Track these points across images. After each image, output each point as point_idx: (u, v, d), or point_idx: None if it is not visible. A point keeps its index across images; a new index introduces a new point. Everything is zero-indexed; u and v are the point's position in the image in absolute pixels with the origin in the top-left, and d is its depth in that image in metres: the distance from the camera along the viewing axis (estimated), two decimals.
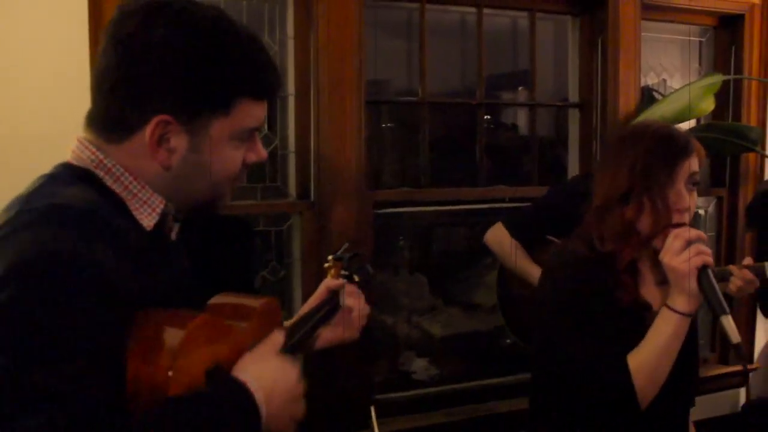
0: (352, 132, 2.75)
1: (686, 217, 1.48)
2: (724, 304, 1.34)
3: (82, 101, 1.16)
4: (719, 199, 3.75)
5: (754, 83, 3.64)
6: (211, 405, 0.97)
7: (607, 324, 1.49)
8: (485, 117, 3.41)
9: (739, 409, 3.55)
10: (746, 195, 3.66)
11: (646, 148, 1.50)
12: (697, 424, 3.73)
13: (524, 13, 3.26)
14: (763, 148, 3.60)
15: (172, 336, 0.96)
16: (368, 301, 1.49)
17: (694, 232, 1.42)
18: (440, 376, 3.31)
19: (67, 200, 0.99)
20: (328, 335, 1.45)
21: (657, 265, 1.53)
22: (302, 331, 1.30)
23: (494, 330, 3.58)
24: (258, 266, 2.64)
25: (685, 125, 3.54)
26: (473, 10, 3.11)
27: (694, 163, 1.51)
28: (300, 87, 2.76)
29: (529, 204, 2.82)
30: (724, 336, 1.33)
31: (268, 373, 1.06)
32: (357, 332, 1.47)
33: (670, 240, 1.42)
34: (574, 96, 3.38)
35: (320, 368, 2.80)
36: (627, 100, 3.26)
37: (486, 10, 3.12)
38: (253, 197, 2.77)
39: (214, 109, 1.08)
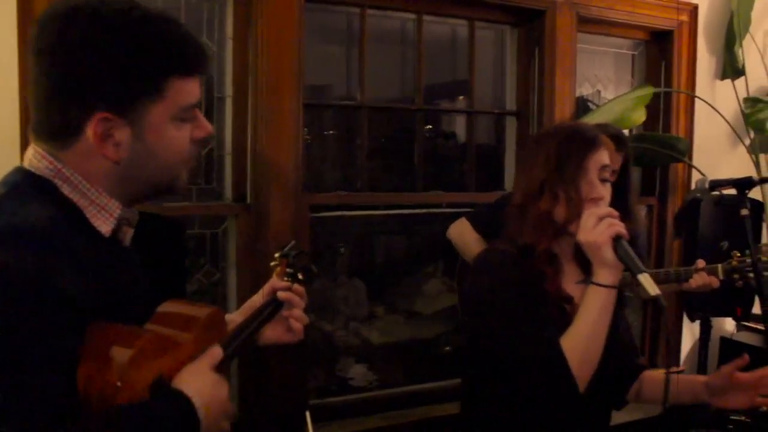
0: (289, 134, 2.73)
1: (601, 206, 1.52)
2: (641, 265, 1.39)
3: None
4: (650, 207, 3.86)
5: (682, 96, 3.77)
6: (156, 414, 1.04)
7: (538, 312, 1.52)
8: (427, 127, 3.44)
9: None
10: (675, 204, 3.79)
11: (556, 143, 1.57)
12: (626, 425, 3.86)
13: (464, 22, 3.30)
14: (691, 159, 3.73)
15: (121, 353, 1.03)
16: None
17: (604, 209, 1.48)
18: (378, 382, 3.31)
19: (26, 219, 1.04)
20: (269, 335, 1.45)
21: (577, 261, 1.60)
22: (244, 335, 1.33)
23: (434, 338, 3.60)
24: (186, 268, 2.59)
25: None
26: (413, 16, 3.14)
27: (603, 156, 1.56)
28: (238, 88, 2.74)
29: (488, 201, 2.82)
30: (643, 294, 1.36)
31: (206, 387, 1.11)
32: (300, 333, 1.46)
33: (583, 219, 1.48)
34: (511, 104, 3.44)
35: (255, 374, 2.77)
36: (562, 110, 3.33)
37: (426, 18, 3.15)
38: (188, 199, 2.73)
39: (148, 95, 1.10)
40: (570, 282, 1.61)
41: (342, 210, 3.11)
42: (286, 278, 1.44)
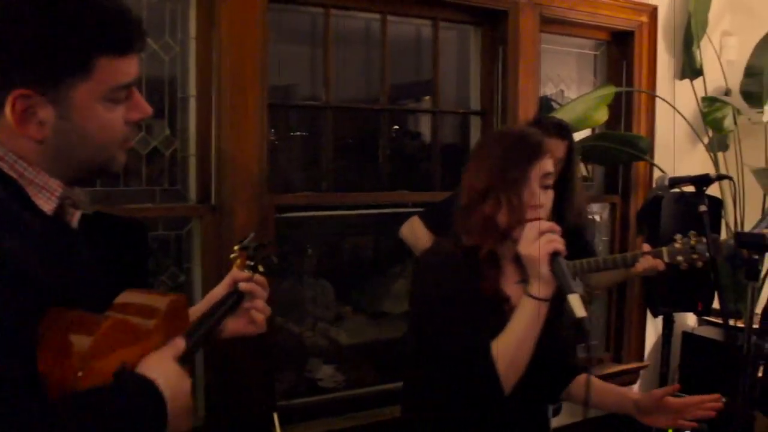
0: (254, 135, 2.72)
1: (540, 213, 1.57)
2: (572, 285, 1.43)
3: None
4: (613, 205, 3.92)
5: (643, 95, 3.84)
6: (121, 397, 1.01)
7: (472, 314, 1.56)
8: (394, 127, 3.45)
9: None
10: (637, 201, 3.85)
11: (502, 149, 1.61)
12: (593, 420, 3.91)
13: (428, 22, 3.31)
14: (652, 157, 3.79)
15: (81, 341, 0.99)
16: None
17: (546, 224, 1.52)
18: (346, 383, 3.30)
19: None
20: (232, 326, 1.42)
21: (518, 262, 1.62)
22: (206, 326, 1.32)
23: (402, 338, 3.61)
24: (147, 268, 2.56)
25: (582, 134, 3.70)
26: (378, 16, 3.15)
27: (547, 165, 1.60)
28: (201, 88, 2.72)
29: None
30: (570, 313, 1.41)
31: (170, 377, 1.08)
32: (263, 325, 1.44)
33: (525, 231, 1.52)
34: (475, 104, 3.46)
35: (221, 375, 2.75)
36: (526, 109, 3.36)
37: (391, 18, 3.16)
38: (151, 200, 2.70)
39: (74, 74, 1.04)
40: (510, 282, 1.65)
41: (308, 211, 3.10)
42: (246, 270, 1.42)
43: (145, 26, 1.14)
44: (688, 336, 3.69)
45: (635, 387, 4.02)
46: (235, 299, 1.39)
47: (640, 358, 4.01)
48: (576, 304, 1.39)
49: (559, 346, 1.74)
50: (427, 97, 3.47)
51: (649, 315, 3.94)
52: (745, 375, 2.10)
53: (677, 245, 2.33)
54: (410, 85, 3.56)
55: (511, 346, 1.51)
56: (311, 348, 3.42)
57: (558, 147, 2.43)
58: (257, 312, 1.42)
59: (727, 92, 4.04)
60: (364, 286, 3.77)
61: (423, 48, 3.42)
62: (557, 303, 1.57)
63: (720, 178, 2.32)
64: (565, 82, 3.85)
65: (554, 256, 1.48)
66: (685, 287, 3.39)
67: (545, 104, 3.71)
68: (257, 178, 2.74)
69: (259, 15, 2.71)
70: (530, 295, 1.51)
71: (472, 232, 1.62)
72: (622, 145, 3.63)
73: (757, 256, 2.14)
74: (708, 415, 1.71)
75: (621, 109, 3.83)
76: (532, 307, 1.50)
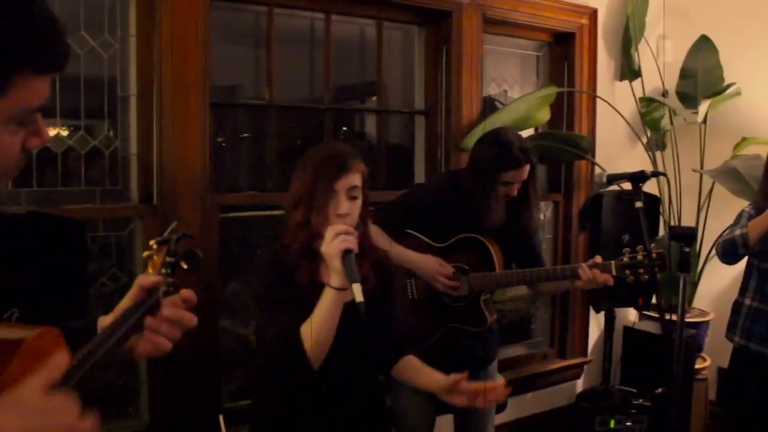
0: (197, 134, 2.69)
1: (346, 220, 1.82)
2: (356, 275, 1.68)
3: None
4: (556, 203, 3.99)
5: (584, 96, 3.92)
6: None
7: (290, 305, 1.82)
8: (342, 128, 3.45)
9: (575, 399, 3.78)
10: (579, 199, 3.93)
11: (314, 166, 1.87)
12: (539, 416, 3.97)
13: (372, 22, 3.33)
14: (594, 156, 3.88)
15: None
16: (198, 298, 1.29)
17: (342, 227, 1.75)
18: None
19: None
20: (142, 347, 1.21)
21: None
22: (99, 353, 1.08)
23: None
24: (86, 270, 2.50)
25: (525, 133, 3.76)
26: (322, 16, 3.15)
27: (353, 179, 1.86)
28: (142, 87, 2.68)
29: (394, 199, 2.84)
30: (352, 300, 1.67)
31: (30, 419, 0.86)
32: (174, 340, 1.24)
33: (326, 233, 1.77)
34: (420, 104, 3.49)
35: (164, 378, 2.71)
36: (470, 109, 3.40)
37: (335, 17, 3.17)
38: (92, 201, 2.65)
39: None
40: (327, 271, 1.85)
41: (254, 210, 3.07)
42: (164, 269, 1.23)
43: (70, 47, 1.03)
44: (629, 331, 3.79)
45: (579, 381, 4.11)
46: (139, 315, 1.16)
47: (584, 353, 4.09)
48: (357, 291, 1.66)
49: (384, 328, 1.99)
50: (374, 98, 3.48)
51: (591, 311, 4.03)
52: (678, 366, 2.16)
53: (625, 259, 2.38)
54: (356, 85, 3.57)
55: (316, 327, 1.76)
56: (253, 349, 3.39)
57: (525, 171, 2.53)
58: (159, 337, 1.20)
59: (665, 93, 4.16)
60: None
61: (368, 48, 3.43)
62: (387, 291, 2.00)
63: (655, 174, 2.39)
64: (509, 82, 3.91)
65: (346, 253, 1.72)
66: (626, 283, 3.47)
67: (489, 104, 3.76)
68: (200, 178, 2.71)
69: (201, 13, 2.68)
70: (329, 285, 1.76)
71: (288, 233, 1.92)
72: (564, 145, 3.71)
73: (688, 249, 2.22)
74: (497, 401, 1.98)
75: (563, 109, 3.90)
76: (330, 295, 1.76)
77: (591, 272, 2.39)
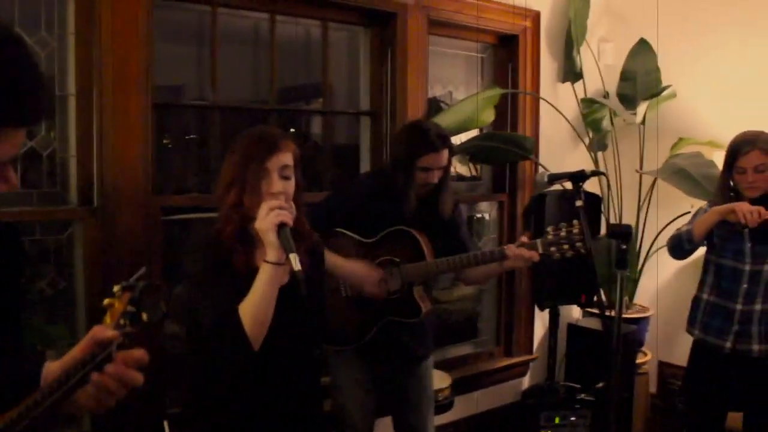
0: (138, 135, 2.64)
1: (280, 199, 1.80)
2: (292, 246, 1.70)
3: None
4: (500, 203, 4.05)
5: (528, 97, 3.98)
6: None
7: (226, 289, 1.80)
8: (291, 129, 3.43)
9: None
10: (524, 199, 3.99)
11: (244, 147, 1.86)
12: (486, 414, 4.01)
13: (317, 23, 3.32)
14: (537, 157, 3.95)
15: None
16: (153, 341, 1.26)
17: (276, 202, 1.76)
18: None
19: None
20: (84, 401, 1.18)
21: None
22: (42, 407, 1.08)
23: None
24: (22, 275, 2.43)
25: (470, 134, 3.80)
26: (266, 16, 3.12)
27: (285, 158, 1.84)
28: (81, 87, 2.61)
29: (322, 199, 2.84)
30: (291, 271, 1.71)
31: None
32: (119, 397, 1.21)
33: (260, 210, 1.77)
34: (365, 104, 3.49)
35: None
36: (415, 109, 3.42)
37: (280, 18, 3.15)
38: (28, 203, 2.58)
39: None
40: (263, 254, 1.83)
41: (198, 212, 3.03)
42: (123, 320, 1.18)
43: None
44: (572, 327, 3.86)
45: (525, 379, 4.17)
46: (84, 373, 1.14)
47: (530, 351, 4.15)
48: (294, 260, 1.68)
49: (318, 307, 2.01)
50: (321, 99, 3.47)
51: (536, 309, 4.10)
52: (616, 360, 2.22)
53: (549, 237, 2.43)
54: (301, 86, 3.56)
55: (254, 304, 1.75)
56: None
57: (444, 156, 2.55)
58: (106, 394, 1.17)
59: (605, 95, 4.26)
60: None
61: (313, 49, 3.42)
62: (320, 274, 2.02)
63: (595, 174, 2.45)
64: (453, 83, 3.95)
65: (281, 226, 1.73)
66: (569, 281, 3.54)
67: (434, 105, 3.79)
68: (142, 180, 2.66)
69: (142, 12, 2.64)
70: (265, 260, 1.75)
71: (221, 217, 1.88)
72: (508, 145, 3.76)
73: (625, 246, 2.28)
74: None
75: (507, 110, 3.96)
76: (267, 271, 1.75)
77: (518, 251, 2.45)
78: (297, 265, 1.67)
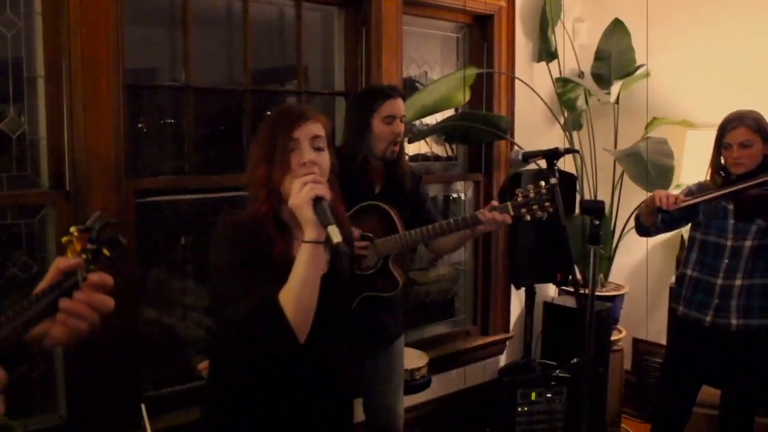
0: (110, 117, 2.61)
1: (314, 170, 1.67)
2: (330, 219, 1.55)
3: None
4: (476, 183, 4.06)
5: (503, 77, 3.99)
6: None
7: (263, 277, 1.63)
8: (266, 112, 3.39)
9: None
10: (499, 179, 4.01)
11: (269, 120, 1.75)
12: (463, 392, 4.05)
13: (291, 2, 3.28)
14: (513, 136, 3.96)
15: None
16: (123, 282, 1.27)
17: (310, 177, 1.62)
18: None
19: None
20: (57, 331, 1.16)
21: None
22: (5, 331, 1.07)
23: None
24: None
25: (445, 114, 3.80)
26: None
27: (314, 128, 1.71)
28: (51, 68, 2.56)
29: None
30: (328, 239, 1.57)
31: None
32: (92, 324, 1.18)
33: (293, 186, 1.63)
34: (340, 85, 3.47)
35: (82, 370, 2.64)
36: None
37: None
38: None
39: None
40: (300, 245, 1.70)
41: (173, 195, 3.00)
42: (84, 255, 1.17)
43: None
44: (548, 306, 3.90)
45: (502, 357, 4.22)
46: (51, 299, 1.12)
47: (506, 329, 4.19)
48: (333, 232, 1.54)
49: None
50: (295, 81, 3.45)
51: (513, 288, 4.13)
52: (590, 335, 2.24)
53: (519, 199, 2.46)
54: (276, 69, 3.53)
55: (296, 291, 1.59)
56: (185, 338, 3.33)
57: (399, 104, 2.62)
58: (76, 321, 1.15)
59: (581, 75, 4.27)
60: None
61: (287, 30, 3.39)
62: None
63: (568, 151, 2.46)
64: (429, 63, 3.94)
65: (317, 200, 1.58)
66: (545, 260, 3.57)
67: (409, 85, 3.78)
68: (114, 162, 2.64)
69: None
70: (304, 241, 1.60)
71: (251, 199, 1.73)
72: (483, 125, 3.76)
73: (598, 222, 2.30)
74: None
75: (482, 90, 3.96)
76: (306, 251, 1.60)
77: (491, 214, 2.47)
78: (337, 237, 1.54)
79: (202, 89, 3.06)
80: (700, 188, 2.94)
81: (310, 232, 1.60)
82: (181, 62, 2.97)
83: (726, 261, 2.85)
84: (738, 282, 2.83)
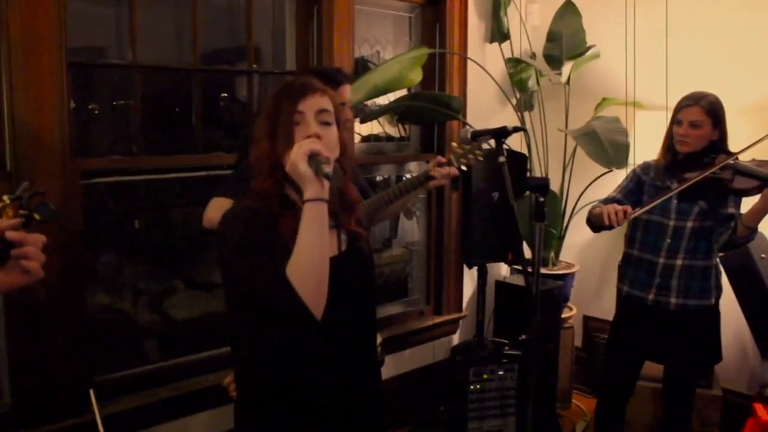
0: (52, 95, 2.53)
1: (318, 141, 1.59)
2: (326, 169, 1.51)
3: None
4: (429, 163, 4.05)
5: (455, 57, 3.99)
6: None
7: (273, 256, 1.56)
8: (223, 95, 3.34)
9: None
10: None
11: (275, 93, 1.67)
12: (417, 371, 4.08)
13: None
14: (465, 117, 3.97)
15: None
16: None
17: (308, 139, 1.56)
18: (177, 356, 3.19)
19: None
20: (3, 279, 1.28)
21: None
22: None
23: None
24: None
25: (398, 94, 3.79)
26: None
27: (321, 101, 1.63)
28: None
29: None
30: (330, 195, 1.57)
31: None
32: (37, 272, 1.29)
33: (291, 152, 1.55)
34: (291, 65, 3.43)
35: (28, 355, 2.59)
36: None
37: None
38: None
39: None
40: None
41: (121, 176, 2.94)
42: (17, 219, 1.30)
43: None
44: (500, 284, 3.94)
45: (455, 336, 4.26)
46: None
47: (459, 309, 4.23)
48: (324, 168, 1.51)
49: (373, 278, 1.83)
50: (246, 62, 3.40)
51: (466, 268, 4.16)
52: (536, 312, 2.28)
53: (458, 150, 2.67)
54: (227, 50, 3.47)
55: (302, 257, 1.52)
56: (137, 323, 3.28)
57: (349, 90, 2.61)
58: (28, 260, 1.27)
59: (532, 56, 4.30)
60: (189, 257, 3.65)
61: (238, 9, 3.33)
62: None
63: (516, 130, 2.47)
64: (381, 43, 3.92)
65: (312, 156, 1.52)
66: (496, 239, 3.60)
67: (361, 65, 3.76)
68: (58, 143, 2.57)
69: None
70: (304, 200, 1.54)
71: (255, 176, 1.65)
72: (436, 105, 3.76)
73: (543, 199, 2.33)
74: None
75: (435, 70, 3.95)
76: (309, 210, 1.53)
77: (441, 169, 2.61)
78: (326, 169, 1.50)
79: (150, 68, 3.00)
80: (644, 169, 2.99)
81: (309, 189, 1.52)
82: (128, 41, 2.89)
83: (668, 241, 2.91)
84: (679, 262, 2.90)
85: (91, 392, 2.63)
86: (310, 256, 1.52)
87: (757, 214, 2.69)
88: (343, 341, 1.69)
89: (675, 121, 2.88)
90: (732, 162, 2.75)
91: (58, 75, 2.55)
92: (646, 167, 3.02)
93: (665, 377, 3.13)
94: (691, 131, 2.82)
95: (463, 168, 2.68)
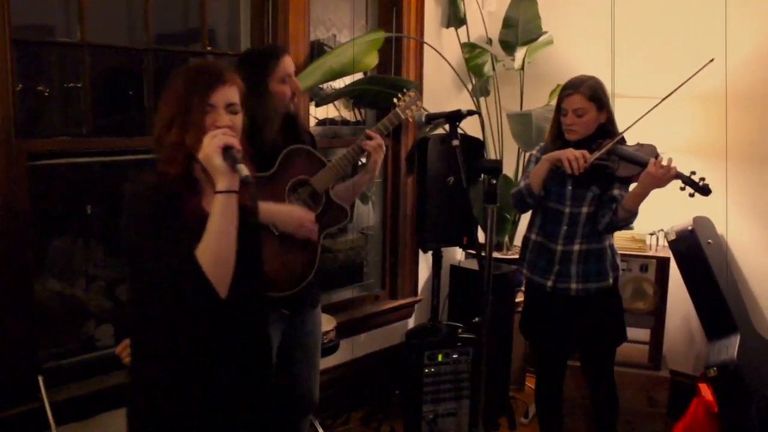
0: None
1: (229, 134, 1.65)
2: (239, 159, 1.58)
3: None
4: (386, 147, 4.05)
5: (412, 42, 3.99)
6: None
7: (179, 235, 1.61)
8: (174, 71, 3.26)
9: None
10: (407, 143, 4.03)
11: (183, 79, 1.69)
12: (372, 355, 4.10)
13: None
14: (421, 102, 3.96)
15: None
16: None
17: (221, 130, 1.62)
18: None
19: None
20: None
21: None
22: None
23: None
24: None
25: (353, 77, 3.77)
26: None
27: (231, 93, 1.70)
28: None
29: None
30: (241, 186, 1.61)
31: None
32: None
33: (204, 140, 1.61)
34: (246, 46, 3.38)
35: None
36: (296, 53, 3.36)
37: None
38: None
39: None
40: (210, 198, 1.70)
41: (70, 157, 2.87)
42: None
43: None
44: (455, 269, 3.97)
45: (411, 320, 4.28)
46: None
47: (414, 293, 4.26)
48: (242, 169, 1.57)
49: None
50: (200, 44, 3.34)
51: (421, 252, 4.18)
52: (487, 294, 2.30)
53: (401, 103, 2.78)
54: (180, 32, 3.40)
55: (211, 243, 1.59)
56: (89, 309, 3.22)
57: (290, 60, 2.62)
58: None
59: (488, 41, 4.32)
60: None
61: None
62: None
63: (470, 113, 2.50)
64: (337, 26, 3.89)
65: (226, 149, 1.59)
66: (451, 224, 3.62)
67: (317, 48, 3.72)
68: (3, 123, 2.50)
69: None
70: (216, 192, 1.60)
71: (162, 160, 1.69)
72: (392, 89, 3.72)
73: (495, 181, 2.35)
74: None
75: (391, 54, 3.95)
76: (220, 202, 1.60)
77: (369, 143, 2.66)
78: (245, 172, 1.56)
79: (100, 47, 2.92)
80: (544, 152, 2.93)
81: (222, 182, 1.59)
82: (77, 18, 2.82)
83: (565, 227, 2.90)
84: (576, 247, 2.89)
85: (40, 379, 2.59)
86: (219, 243, 1.60)
87: (636, 198, 2.70)
88: (236, 312, 1.73)
89: (561, 111, 2.86)
90: (615, 147, 2.74)
91: (1, 53, 2.47)
92: (545, 150, 2.98)
93: (581, 359, 3.14)
94: (576, 120, 2.81)
95: (410, 119, 2.77)
